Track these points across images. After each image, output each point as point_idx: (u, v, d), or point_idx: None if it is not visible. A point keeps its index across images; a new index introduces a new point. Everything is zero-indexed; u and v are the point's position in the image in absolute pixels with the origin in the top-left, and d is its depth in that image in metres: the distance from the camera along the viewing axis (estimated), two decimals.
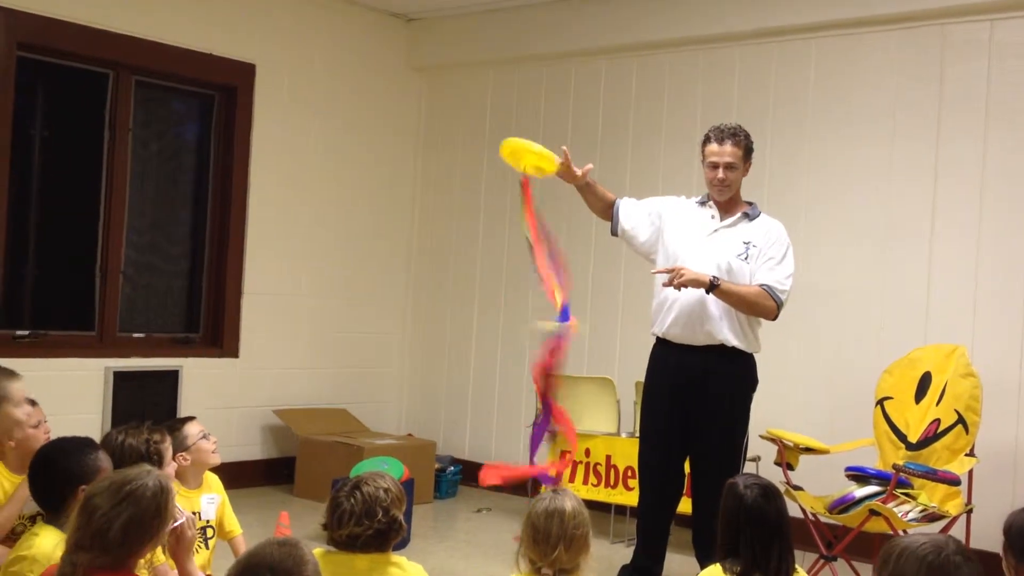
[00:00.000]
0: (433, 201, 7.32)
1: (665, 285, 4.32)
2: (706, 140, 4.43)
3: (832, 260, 5.55)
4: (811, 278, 5.60)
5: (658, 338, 4.51)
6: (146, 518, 2.40)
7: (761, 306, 4.32)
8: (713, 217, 4.45)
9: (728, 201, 4.45)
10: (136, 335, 6.10)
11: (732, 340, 4.33)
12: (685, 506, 4.61)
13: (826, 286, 5.53)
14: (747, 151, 4.41)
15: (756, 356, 4.46)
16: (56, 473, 2.98)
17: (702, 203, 4.52)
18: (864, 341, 5.40)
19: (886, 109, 5.43)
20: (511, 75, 6.93)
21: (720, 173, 4.37)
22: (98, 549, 2.34)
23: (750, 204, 4.49)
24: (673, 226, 4.49)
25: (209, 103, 6.43)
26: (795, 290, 5.70)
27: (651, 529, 4.52)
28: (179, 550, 2.93)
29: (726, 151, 4.36)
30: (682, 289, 4.27)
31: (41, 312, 5.81)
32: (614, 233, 4.63)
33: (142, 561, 3.04)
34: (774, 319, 4.38)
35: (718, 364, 4.36)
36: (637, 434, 5.11)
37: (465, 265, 7.10)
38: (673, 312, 4.39)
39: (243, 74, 6.37)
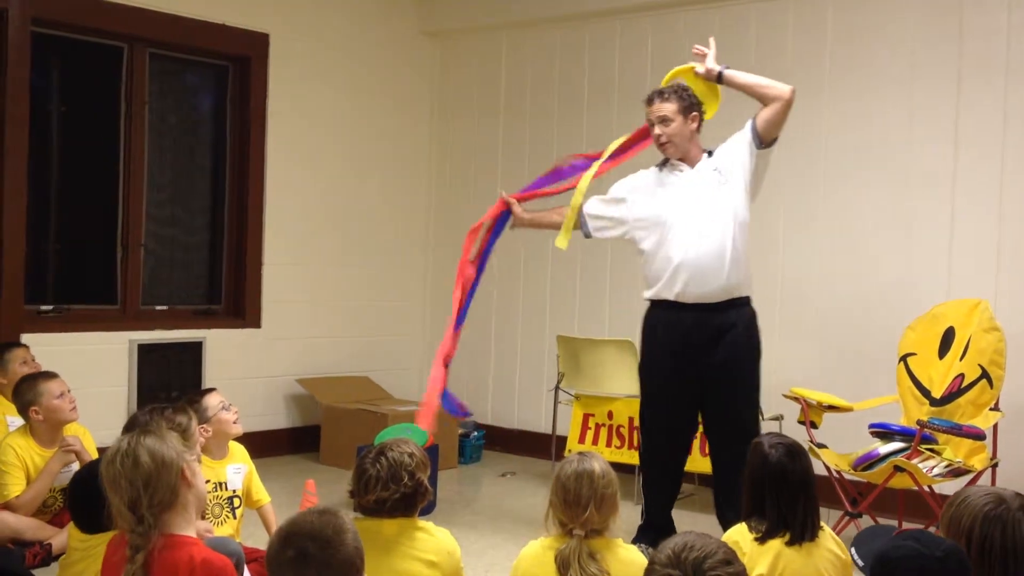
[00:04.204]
0: (449, 167, 7.30)
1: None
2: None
3: (852, 218, 5.50)
4: (832, 237, 5.57)
5: (663, 301, 4.46)
6: (169, 467, 2.41)
7: (775, 86, 4.34)
8: (682, 171, 4.48)
9: (688, 156, 4.48)
10: (159, 308, 6.14)
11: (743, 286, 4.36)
12: (705, 465, 4.61)
13: (847, 244, 5.50)
14: (684, 106, 4.42)
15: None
16: (97, 497, 2.99)
17: (661, 166, 4.55)
18: (886, 297, 5.37)
19: (906, 60, 5.36)
20: (525, 38, 6.88)
21: (656, 129, 4.42)
22: (157, 505, 2.37)
23: (709, 151, 4.50)
24: (646, 200, 4.51)
25: (224, 74, 6.42)
26: (815, 249, 5.66)
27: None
28: None
29: (655, 108, 4.43)
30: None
31: (64, 287, 5.85)
32: (587, 236, 4.73)
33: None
34: (791, 97, 4.33)
35: (736, 319, 4.36)
36: None
37: None
38: (683, 272, 4.35)
39: (257, 44, 6.35)
